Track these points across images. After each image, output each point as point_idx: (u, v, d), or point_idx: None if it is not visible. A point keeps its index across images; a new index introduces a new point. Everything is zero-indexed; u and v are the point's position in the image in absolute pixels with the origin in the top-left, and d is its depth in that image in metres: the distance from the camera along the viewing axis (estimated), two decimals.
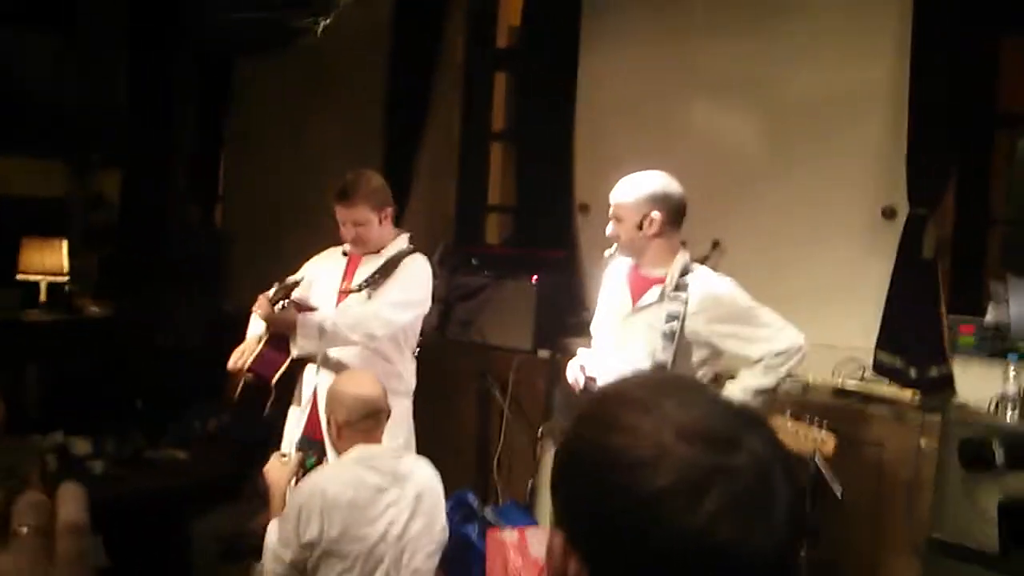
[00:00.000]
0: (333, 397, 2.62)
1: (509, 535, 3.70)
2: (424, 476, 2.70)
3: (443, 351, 4.49)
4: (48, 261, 5.97)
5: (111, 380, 4.98)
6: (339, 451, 2.62)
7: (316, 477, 2.59)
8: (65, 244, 6.07)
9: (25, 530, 0.57)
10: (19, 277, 5.94)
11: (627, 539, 0.75)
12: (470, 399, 4.64)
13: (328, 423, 2.63)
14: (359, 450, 2.56)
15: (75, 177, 6.84)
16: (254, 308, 3.10)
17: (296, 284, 3.05)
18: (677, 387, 0.87)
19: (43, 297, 5.96)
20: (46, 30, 6.62)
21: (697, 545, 0.73)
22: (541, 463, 4.24)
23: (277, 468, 2.74)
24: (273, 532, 2.59)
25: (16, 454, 4.06)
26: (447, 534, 2.75)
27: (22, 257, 5.96)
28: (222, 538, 4.37)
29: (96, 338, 5.72)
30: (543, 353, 4.43)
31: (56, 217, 6.51)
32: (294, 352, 3.08)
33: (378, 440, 2.62)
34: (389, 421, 2.72)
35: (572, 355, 4.23)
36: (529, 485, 4.25)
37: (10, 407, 4.19)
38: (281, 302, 2.99)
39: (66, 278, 6.07)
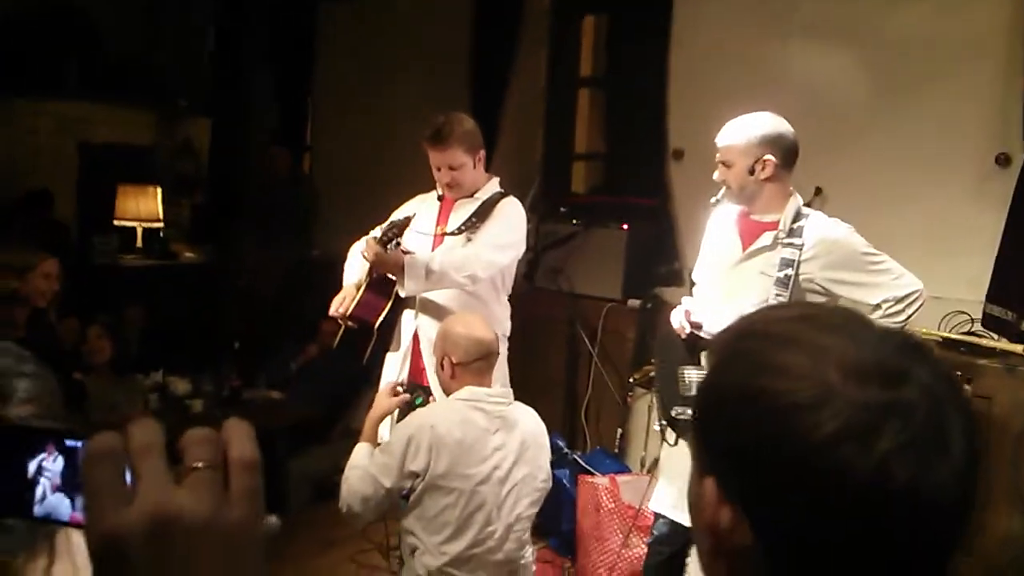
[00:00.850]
0: (448, 338, 2.63)
1: (601, 480, 3.71)
2: (531, 425, 2.70)
3: (532, 298, 4.48)
4: (143, 208, 6.15)
5: (208, 322, 5.13)
6: (450, 391, 2.64)
7: (426, 412, 2.61)
8: (159, 191, 6.22)
9: (200, 464, 0.56)
10: (116, 223, 6.13)
11: (793, 489, 0.70)
12: (559, 346, 4.65)
13: (441, 363, 2.64)
14: (469, 391, 2.58)
15: (164, 125, 6.99)
16: (363, 250, 3.11)
17: (408, 221, 3.05)
18: (831, 320, 0.78)
19: (139, 243, 6.14)
20: None
21: (873, 489, 0.67)
22: (631, 411, 4.23)
23: (385, 397, 2.77)
24: (362, 456, 2.62)
25: (118, 392, 4.22)
26: (550, 483, 2.76)
27: (118, 203, 6.15)
28: (315, 477, 4.50)
29: (192, 282, 5.89)
30: (633, 302, 4.40)
31: (149, 164, 6.68)
32: (401, 292, 3.09)
33: (488, 383, 2.63)
34: None
35: (664, 304, 4.20)
36: (619, 433, 4.25)
37: (112, 347, 4.35)
38: (394, 240, 3.00)
39: (160, 224, 6.23)
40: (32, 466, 0.66)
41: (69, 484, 0.66)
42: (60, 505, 0.66)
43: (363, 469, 2.56)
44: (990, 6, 3.58)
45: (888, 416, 0.69)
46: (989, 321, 3.48)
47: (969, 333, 3.49)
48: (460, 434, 2.51)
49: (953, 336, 3.46)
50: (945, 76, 3.70)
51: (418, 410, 2.67)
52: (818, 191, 3.71)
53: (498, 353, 2.70)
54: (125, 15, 6.72)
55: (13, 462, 0.65)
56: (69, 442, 0.66)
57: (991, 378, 3.30)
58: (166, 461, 0.56)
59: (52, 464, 0.66)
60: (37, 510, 0.66)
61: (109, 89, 6.41)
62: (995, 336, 3.44)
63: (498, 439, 2.58)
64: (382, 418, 2.77)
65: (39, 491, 0.66)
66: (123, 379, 4.33)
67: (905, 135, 3.78)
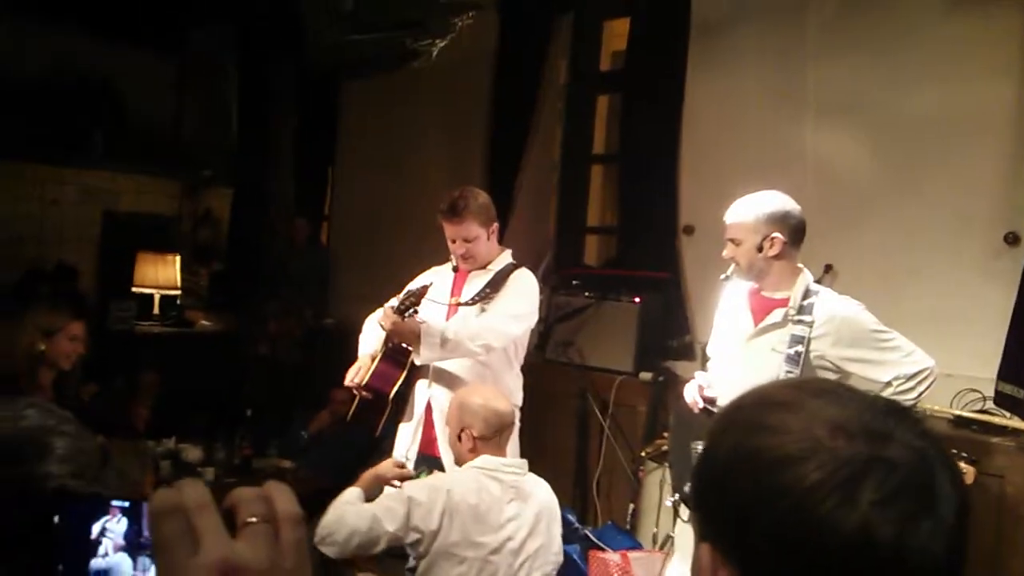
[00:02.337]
0: (466, 409, 2.65)
1: (612, 556, 3.68)
2: (544, 496, 2.71)
3: (543, 371, 4.50)
4: (161, 275, 6.24)
5: (221, 390, 5.15)
6: (464, 462, 2.65)
7: (443, 477, 2.63)
8: (178, 259, 6.32)
9: (254, 519, 0.61)
10: (134, 290, 6.21)
11: (782, 541, 0.72)
12: (570, 419, 4.64)
13: (459, 436, 2.66)
14: (485, 459, 2.59)
15: (188, 195, 7.13)
16: (380, 320, 3.16)
17: (425, 290, 3.10)
18: (821, 387, 0.83)
19: (156, 310, 6.20)
20: (162, 54, 6.95)
21: (858, 542, 0.69)
22: (643, 486, 4.20)
23: (389, 466, 2.77)
24: (355, 496, 2.60)
25: (131, 458, 4.22)
26: (562, 557, 2.75)
27: (137, 270, 6.24)
28: None
29: (207, 350, 5.93)
30: (645, 375, 4.40)
31: (169, 233, 6.81)
32: (417, 361, 3.13)
33: (504, 453, 2.65)
34: None
35: (676, 378, 4.21)
36: (631, 509, 4.21)
37: (125, 413, 4.37)
38: (411, 309, 3.05)
39: (178, 292, 6.31)
40: (96, 527, 0.69)
41: (132, 544, 0.70)
42: (122, 563, 0.70)
43: (361, 507, 2.53)
44: (998, 88, 3.65)
45: (871, 469, 0.72)
46: (1001, 399, 3.46)
47: (981, 411, 3.48)
48: (475, 500, 2.52)
49: (965, 414, 3.45)
50: (954, 156, 3.76)
51: (435, 473, 2.68)
52: (828, 268, 3.74)
53: (514, 424, 2.73)
54: (152, 86, 6.93)
55: (77, 530, 0.69)
56: (129, 503, 0.70)
57: (1004, 456, 3.28)
58: (220, 516, 0.61)
59: (116, 525, 0.70)
60: (99, 564, 0.69)
61: (135, 159, 6.59)
62: (1007, 414, 3.43)
63: (512, 509, 2.59)
64: (379, 480, 2.74)
65: (102, 550, 0.70)
66: (136, 445, 4.34)
67: (915, 213, 3.83)
